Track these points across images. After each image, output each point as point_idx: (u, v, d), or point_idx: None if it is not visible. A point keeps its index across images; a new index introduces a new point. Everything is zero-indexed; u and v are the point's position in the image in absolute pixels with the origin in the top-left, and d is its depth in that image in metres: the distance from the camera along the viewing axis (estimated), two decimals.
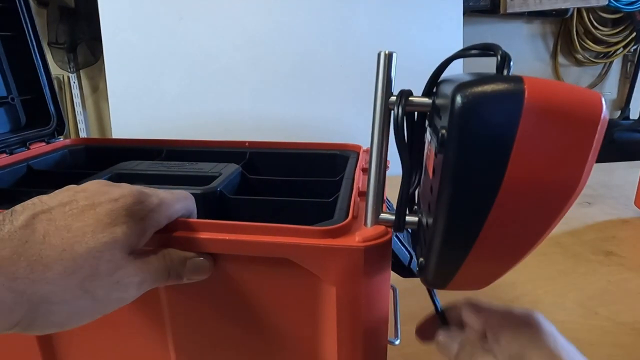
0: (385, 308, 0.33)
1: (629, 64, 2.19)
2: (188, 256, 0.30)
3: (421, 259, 0.28)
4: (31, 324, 0.23)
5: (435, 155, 0.24)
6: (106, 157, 0.53)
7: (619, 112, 2.22)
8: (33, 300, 0.23)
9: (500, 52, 0.23)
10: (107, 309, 0.26)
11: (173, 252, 0.30)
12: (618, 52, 2.11)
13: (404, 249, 0.36)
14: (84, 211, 0.25)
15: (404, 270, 0.36)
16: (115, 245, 0.25)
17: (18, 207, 0.25)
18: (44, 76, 0.58)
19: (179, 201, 0.31)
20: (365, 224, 0.31)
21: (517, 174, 0.20)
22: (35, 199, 0.26)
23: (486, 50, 0.24)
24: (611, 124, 2.09)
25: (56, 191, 0.28)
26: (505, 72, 0.23)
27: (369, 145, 0.31)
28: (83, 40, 1.82)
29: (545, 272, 0.72)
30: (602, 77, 2.21)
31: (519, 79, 0.20)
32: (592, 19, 2.00)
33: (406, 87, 0.29)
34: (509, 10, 1.76)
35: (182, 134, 1.41)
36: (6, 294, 0.22)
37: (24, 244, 0.23)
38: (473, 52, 0.25)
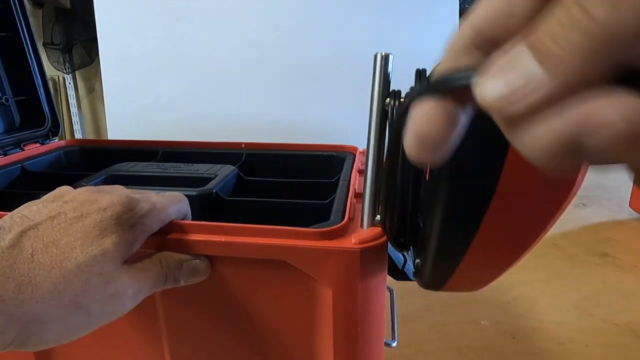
0: (382, 310, 0.33)
1: None
2: (184, 259, 0.30)
3: (417, 260, 0.28)
4: (24, 342, 0.23)
5: None
6: (101, 159, 0.53)
7: None
8: (24, 320, 0.22)
9: None
10: (103, 321, 0.25)
11: (169, 256, 0.29)
12: None
13: (399, 252, 0.36)
14: (72, 224, 0.25)
15: (397, 274, 0.36)
16: (105, 257, 0.25)
17: (5, 222, 0.25)
18: (39, 77, 0.57)
19: (171, 204, 0.30)
20: (362, 225, 0.31)
21: (513, 173, 0.21)
22: (23, 211, 0.26)
23: None
24: None
25: (45, 197, 0.28)
26: None
27: (365, 147, 0.31)
28: (79, 41, 1.81)
29: (541, 274, 0.72)
30: None
31: None
32: None
33: (402, 88, 0.29)
34: None
35: (178, 135, 1.40)
36: None
37: (11, 265, 0.23)
38: None
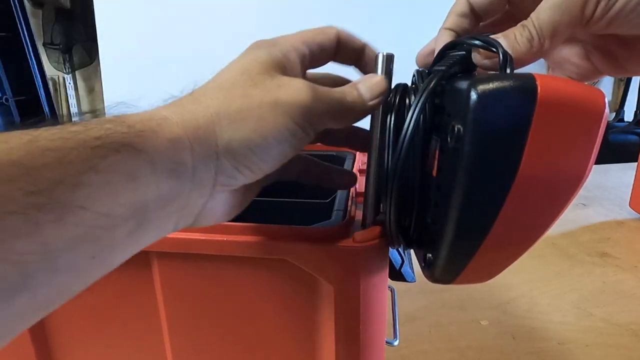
0: (383, 309, 0.33)
1: None
2: (360, 80, 0.27)
3: (429, 255, 0.27)
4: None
5: (442, 152, 0.25)
6: None
7: (614, 114, 2.24)
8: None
9: (502, 49, 0.23)
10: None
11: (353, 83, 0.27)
12: None
13: (396, 252, 0.36)
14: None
15: (394, 274, 0.36)
16: (257, 62, 0.25)
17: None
18: (39, 77, 0.57)
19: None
20: (363, 224, 0.31)
21: (530, 165, 0.21)
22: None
23: (487, 44, 0.25)
24: (606, 125, 2.11)
25: None
26: (508, 70, 0.23)
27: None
28: (78, 41, 1.81)
29: (541, 274, 0.72)
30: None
31: (531, 76, 0.21)
32: None
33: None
34: None
35: None
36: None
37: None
38: (475, 42, 0.25)
